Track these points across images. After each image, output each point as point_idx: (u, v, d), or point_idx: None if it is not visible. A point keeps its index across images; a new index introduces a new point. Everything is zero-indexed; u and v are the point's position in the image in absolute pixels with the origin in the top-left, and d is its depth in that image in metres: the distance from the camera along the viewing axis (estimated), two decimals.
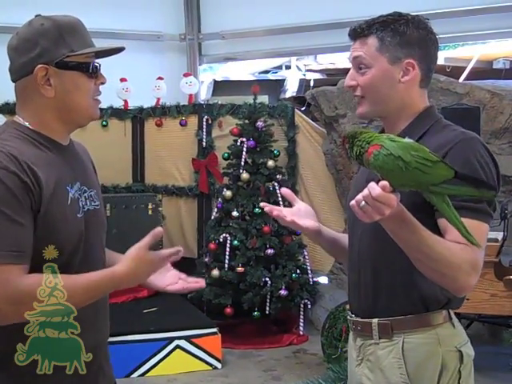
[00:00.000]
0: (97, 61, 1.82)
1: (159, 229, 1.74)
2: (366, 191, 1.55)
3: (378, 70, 1.88)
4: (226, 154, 5.67)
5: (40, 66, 1.72)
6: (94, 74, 1.79)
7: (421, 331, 1.86)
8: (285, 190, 2.07)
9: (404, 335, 1.87)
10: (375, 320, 1.91)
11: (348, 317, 2.06)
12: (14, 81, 1.79)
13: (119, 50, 1.86)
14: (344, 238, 2.14)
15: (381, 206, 1.54)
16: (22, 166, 1.64)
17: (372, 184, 1.55)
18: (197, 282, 1.97)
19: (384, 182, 1.54)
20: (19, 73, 1.77)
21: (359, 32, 1.90)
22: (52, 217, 1.68)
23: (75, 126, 1.84)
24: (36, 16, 1.78)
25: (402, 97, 1.90)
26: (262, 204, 2.04)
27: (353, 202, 1.59)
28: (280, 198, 5.51)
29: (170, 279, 1.99)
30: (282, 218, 1.94)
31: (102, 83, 1.83)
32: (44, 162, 1.71)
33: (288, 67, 9.91)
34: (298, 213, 2.01)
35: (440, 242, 1.69)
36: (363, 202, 1.56)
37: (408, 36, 1.87)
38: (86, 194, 1.82)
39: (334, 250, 2.17)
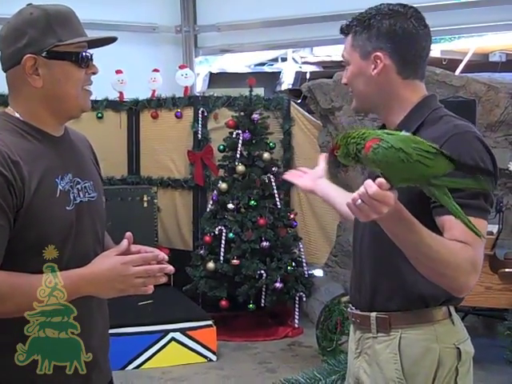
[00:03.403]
0: (90, 51, 1.79)
1: (128, 234, 1.74)
2: (362, 189, 1.50)
3: (353, 66, 1.92)
4: (221, 147, 5.67)
5: (28, 55, 1.69)
6: (84, 63, 1.76)
7: (419, 327, 1.84)
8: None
9: (402, 330, 1.85)
10: (373, 314, 1.90)
11: (348, 309, 2.05)
12: (4, 71, 1.77)
13: (111, 39, 1.83)
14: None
15: (378, 205, 1.50)
16: (5, 159, 1.62)
17: (368, 182, 1.50)
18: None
19: (381, 180, 1.49)
20: (8, 63, 1.74)
21: (342, 30, 1.95)
22: (37, 210, 1.65)
23: (66, 117, 1.81)
24: (27, 5, 1.76)
25: (381, 90, 1.88)
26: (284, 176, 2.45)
27: (348, 201, 1.55)
28: (275, 191, 5.52)
29: None
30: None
31: (94, 73, 1.80)
32: (31, 154, 1.68)
33: (284, 59, 9.89)
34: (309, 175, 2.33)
35: (439, 241, 1.65)
36: (359, 201, 1.51)
37: (376, 29, 1.86)
38: (78, 186, 1.79)
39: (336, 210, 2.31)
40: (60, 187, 1.72)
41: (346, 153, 1.62)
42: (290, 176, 2.39)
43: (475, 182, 1.58)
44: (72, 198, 1.75)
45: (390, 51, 1.86)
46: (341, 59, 1.99)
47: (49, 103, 1.75)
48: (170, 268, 1.72)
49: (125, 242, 1.72)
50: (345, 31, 1.94)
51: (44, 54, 1.71)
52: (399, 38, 1.86)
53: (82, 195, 1.79)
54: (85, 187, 1.82)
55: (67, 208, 1.73)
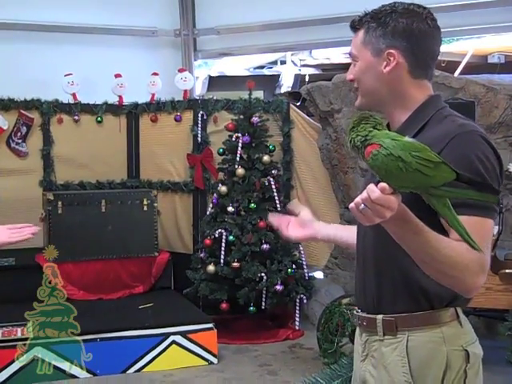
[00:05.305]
0: None
1: None
2: (364, 194, 1.49)
3: (362, 62, 1.90)
4: (221, 150, 5.67)
5: None
6: None
7: (426, 329, 1.82)
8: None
9: (409, 333, 1.83)
10: (380, 316, 1.88)
11: (355, 312, 2.03)
12: None
13: None
14: (344, 231, 2.20)
15: (381, 209, 1.49)
16: None
17: (371, 186, 1.49)
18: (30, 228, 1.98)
19: (383, 184, 1.49)
20: None
21: (351, 25, 1.94)
22: None
23: None
24: None
25: (390, 88, 1.88)
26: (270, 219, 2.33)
27: (352, 205, 1.53)
28: (275, 193, 5.52)
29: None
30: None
31: None
32: None
33: (283, 62, 9.89)
34: (298, 222, 2.21)
35: (445, 243, 1.63)
36: (362, 205, 1.50)
37: (392, 27, 1.86)
38: None
39: (341, 246, 2.28)
40: None
41: (349, 131, 1.62)
42: (276, 221, 2.26)
43: (478, 194, 1.56)
44: None
45: (405, 50, 1.87)
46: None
47: None
48: None
49: None
50: (356, 26, 1.92)
51: None
52: (415, 37, 1.87)
53: None
54: None
55: None
